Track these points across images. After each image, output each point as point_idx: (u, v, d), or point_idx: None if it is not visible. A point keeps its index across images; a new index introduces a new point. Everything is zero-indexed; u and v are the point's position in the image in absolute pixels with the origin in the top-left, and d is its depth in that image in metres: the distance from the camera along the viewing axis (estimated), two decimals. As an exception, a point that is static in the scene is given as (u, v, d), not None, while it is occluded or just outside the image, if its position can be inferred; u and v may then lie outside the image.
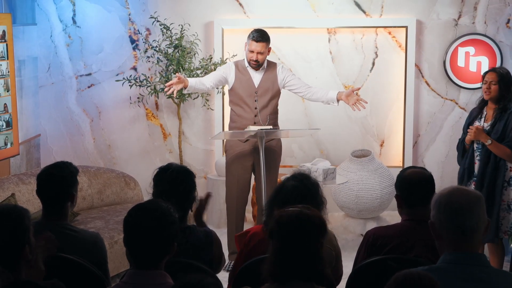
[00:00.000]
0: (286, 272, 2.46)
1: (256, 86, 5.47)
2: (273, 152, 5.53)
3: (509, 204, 4.91)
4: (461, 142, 5.15)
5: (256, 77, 5.49)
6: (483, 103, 5.05)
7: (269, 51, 5.49)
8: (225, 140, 5.54)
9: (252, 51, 5.41)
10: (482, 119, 5.03)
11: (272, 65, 5.57)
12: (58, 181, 3.31)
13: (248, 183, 5.58)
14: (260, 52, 5.40)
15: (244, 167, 5.51)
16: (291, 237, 2.47)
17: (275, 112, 5.57)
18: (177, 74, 5.38)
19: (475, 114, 5.08)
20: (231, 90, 5.54)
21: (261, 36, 5.41)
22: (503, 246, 5.05)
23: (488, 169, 4.93)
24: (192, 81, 5.39)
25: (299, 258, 2.46)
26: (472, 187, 4.96)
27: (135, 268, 2.58)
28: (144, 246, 2.56)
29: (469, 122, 5.08)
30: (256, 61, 5.41)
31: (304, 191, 3.17)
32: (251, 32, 5.48)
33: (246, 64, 5.50)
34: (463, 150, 5.13)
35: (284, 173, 5.73)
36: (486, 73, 5.04)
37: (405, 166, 6.31)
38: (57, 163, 3.44)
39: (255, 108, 5.45)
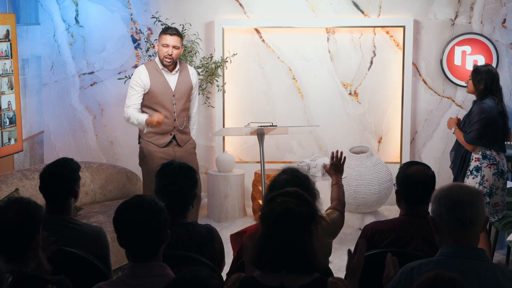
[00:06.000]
0: (275, 260, 2.37)
1: (173, 89, 5.25)
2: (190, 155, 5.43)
3: None
4: None
5: (172, 79, 5.26)
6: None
7: (181, 50, 5.29)
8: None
9: (167, 45, 5.15)
10: None
11: (183, 66, 5.37)
12: (59, 179, 3.33)
13: None
14: (175, 47, 5.16)
15: None
16: (278, 226, 2.38)
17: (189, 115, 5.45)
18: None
19: (470, 109, 5.28)
20: (147, 94, 5.23)
21: (175, 30, 5.25)
22: (488, 239, 5.15)
23: (458, 156, 5.22)
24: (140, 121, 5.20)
25: (287, 246, 2.36)
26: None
27: (134, 261, 2.62)
28: (138, 240, 2.59)
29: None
30: (171, 56, 5.15)
31: (297, 183, 3.11)
32: (162, 29, 5.36)
33: (160, 66, 5.24)
34: None
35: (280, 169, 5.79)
36: None
37: (403, 162, 6.39)
38: (58, 160, 3.44)
39: (174, 112, 5.26)
